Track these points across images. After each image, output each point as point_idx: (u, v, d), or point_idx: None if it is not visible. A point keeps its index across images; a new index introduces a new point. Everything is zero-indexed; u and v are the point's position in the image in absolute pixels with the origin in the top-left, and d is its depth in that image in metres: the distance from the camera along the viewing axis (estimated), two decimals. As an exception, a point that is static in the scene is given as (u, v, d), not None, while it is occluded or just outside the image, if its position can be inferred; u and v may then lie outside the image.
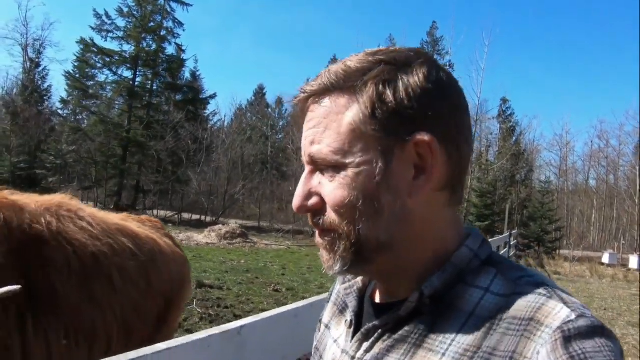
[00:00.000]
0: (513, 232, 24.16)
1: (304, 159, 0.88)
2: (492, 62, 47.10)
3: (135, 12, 37.08)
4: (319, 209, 0.86)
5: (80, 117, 43.86)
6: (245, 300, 9.85)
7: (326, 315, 1.11)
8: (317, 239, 0.90)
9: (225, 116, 51.08)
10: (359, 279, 1.02)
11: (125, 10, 36.95)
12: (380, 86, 0.81)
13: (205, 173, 37.14)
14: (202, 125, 39.29)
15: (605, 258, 26.32)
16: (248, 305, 9.40)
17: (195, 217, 35.44)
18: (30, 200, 2.61)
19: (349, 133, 0.82)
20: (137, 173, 36.83)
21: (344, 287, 1.03)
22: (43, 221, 2.44)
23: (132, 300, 2.67)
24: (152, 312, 2.88)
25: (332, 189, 0.84)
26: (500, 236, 19.64)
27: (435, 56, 50.31)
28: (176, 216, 32.72)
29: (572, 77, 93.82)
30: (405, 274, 0.88)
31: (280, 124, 57.30)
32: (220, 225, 23.94)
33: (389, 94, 0.81)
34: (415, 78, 0.82)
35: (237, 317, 8.41)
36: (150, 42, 37.95)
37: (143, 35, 36.87)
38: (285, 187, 41.68)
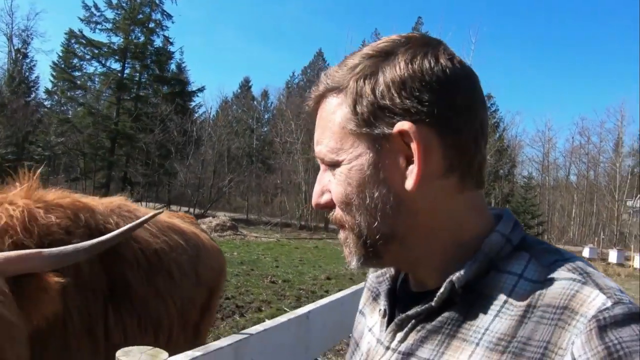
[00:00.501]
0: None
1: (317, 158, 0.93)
2: (478, 58, 47.65)
3: (124, 4, 36.97)
4: (331, 205, 0.90)
5: (65, 107, 43.55)
6: (244, 291, 10.16)
7: (362, 302, 1.12)
8: (338, 233, 0.94)
9: (211, 108, 50.95)
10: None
11: (114, 2, 36.77)
12: (360, 81, 0.84)
13: (193, 166, 37.17)
14: (190, 117, 39.33)
15: (586, 252, 26.74)
16: (248, 297, 9.71)
17: (184, 209, 35.43)
18: (95, 202, 2.87)
19: (339, 131, 0.86)
20: (125, 165, 36.76)
21: (376, 275, 1.06)
22: (112, 221, 2.70)
23: (186, 291, 2.93)
24: (200, 301, 3.15)
25: (333, 186, 0.88)
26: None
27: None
28: (165, 208, 32.73)
29: (554, 74, 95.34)
30: (427, 262, 0.88)
31: (266, 116, 57.33)
32: (211, 218, 24.19)
33: (367, 89, 0.83)
34: (396, 67, 0.83)
35: (239, 307, 8.78)
36: (139, 34, 37.87)
37: (132, 27, 36.82)
38: (270, 179, 41.97)
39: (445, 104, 0.82)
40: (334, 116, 0.87)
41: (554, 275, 0.77)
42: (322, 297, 9.04)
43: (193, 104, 43.99)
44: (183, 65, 42.96)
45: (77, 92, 39.10)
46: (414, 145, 0.81)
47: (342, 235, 0.92)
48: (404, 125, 0.80)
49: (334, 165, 0.87)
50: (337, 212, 0.90)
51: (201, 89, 42.99)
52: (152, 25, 37.80)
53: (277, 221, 30.95)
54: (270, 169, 44.73)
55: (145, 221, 2.33)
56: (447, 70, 0.83)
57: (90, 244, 1.99)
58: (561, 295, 0.73)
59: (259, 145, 50.32)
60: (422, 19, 52.74)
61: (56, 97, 41.82)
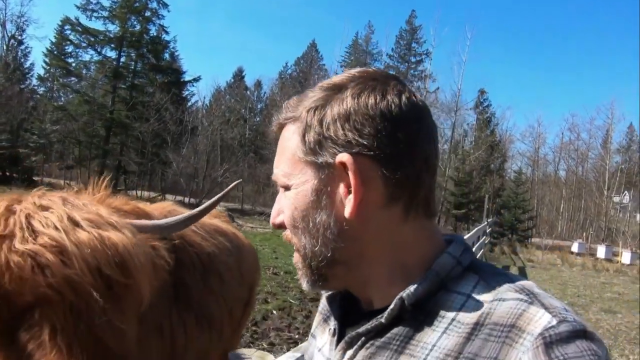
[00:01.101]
0: (489, 220, 25.12)
1: None
2: (473, 54, 47.93)
3: (120, -8, 36.64)
4: (285, 226, 0.94)
5: (57, 94, 43.30)
6: (249, 283, 10.30)
7: (314, 325, 1.13)
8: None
9: (204, 98, 50.83)
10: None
11: (111, -11, 36.48)
12: (311, 112, 0.88)
13: (186, 155, 37.13)
14: (184, 107, 39.31)
15: (575, 247, 27.11)
16: (253, 288, 9.86)
17: (179, 198, 35.46)
18: (150, 208, 3.05)
19: (291, 158, 0.90)
20: (120, 153, 36.68)
21: (327, 296, 1.06)
22: (166, 225, 2.90)
23: (234, 291, 3.08)
24: (244, 298, 3.38)
25: (285, 209, 0.92)
26: (480, 225, 20.52)
27: (413, 44, 51.17)
28: (160, 197, 32.77)
29: (545, 71, 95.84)
30: (374, 285, 0.90)
31: (259, 106, 57.22)
32: (207, 208, 24.16)
33: (314, 120, 0.87)
34: (344, 101, 0.86)
35: (246, 299, 8.93)
36: (135, 23, 37.60)
37: (128, 16, 36.56)
38: (263, 169, 42.04)
39: (387, 138, 0.84)
40: (288, 143, 0.91)
41: (502, 295, 0.79)
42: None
43: (186, 92, 43.87)
44: (176, 54, 42.75)
45: (70, 79, 38.84)
46: (351, 175, 0.84)
47: (294, 257, 0.96)
48: (343, 157, 0.84)
49: (286, 188, 0.91)
50: (287, 233, 0.94)
51: (197, 79, 42.88)
52: (148, 13, 37.60)
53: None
54: (262, 159, 44.78)
55: (227, 192, 2.51)
56: (392, 105, 0.85)
57: (192, 213, 2.12)
58: (508, 315, 0.75)
59: (252, 135, 50.31)
60: (416, 13, 52.86)
61: (48, 83, 41.58)
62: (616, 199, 41.71)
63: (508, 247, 26.22)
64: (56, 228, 1.27)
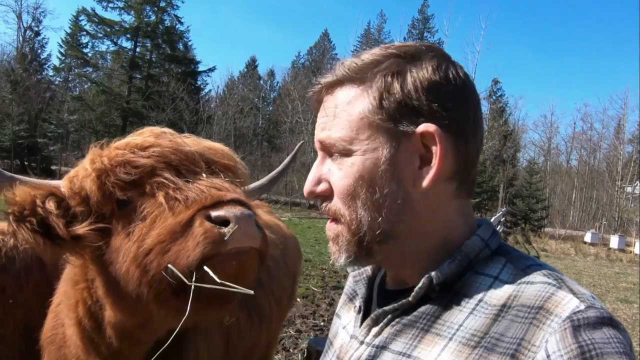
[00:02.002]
0: (502, 209, 25.15)
1: (316, 145, 0.92)
2: (486, 43, 47.65)
3: (136, -17, 36.82)
4: (327, 195, 0.89)
5: (72, 84, 43.73)
6: (270, 272, 10.48)
7: (339, 305, 1.13)
8: (327, 228, 0.93)
9: (218, 87, 51.03)
10: (369, 267, 1.05)
11: (127, -20, 36.71)
12: (389, 78, 0.84)
13: (201, 144, 37.48)
14: (199, 96, 39.65)
15: (588, 237, 27.07)
16: (274, 277, 10.05)
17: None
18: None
19: (357, 121, 0.85)
20: (137, 143, 37.03)
21: (353, 275, 1.06)
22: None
23: (281, 283, 3.05)
24: (289, 288, 3.34)
25: (339, 176, 0.86)
26: (495, 215, 20.55)
27: (426, 34, 50.86)
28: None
29: (558, 60, 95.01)
30: (414, 262, 0.89)
31: (272, 96, 57.36)
32: (223, 198, 24.34)
33: (396, 86, 0.83)
34: (424, 71, 0.84)
35: (269, 287, 9.14)
36: (150, 13, 37.87)
37: (143, 6, 36.80)
38: (276, 158, 42.34)
39: (463, 115, 0.86)
40: (351, 106, 0.86)
41: (530, 278, 0.80)
42: (344, 277, 9.45)
43: (200, 82, 44.13)
44: (190, 44, 42.94)
45: (86, 70, 39.26)
46: (435, 148, 0.83)
47: (333, 230, 0.91)
48: (429, 127, 0.83)
49: (344, 154, 0.87)
50: (335, 205, 0.88)
51: (212, 69, 43.12)
52: (163, 4, 37.88)
53: (287, 200, 31.31)
54: (275, 148, 44.99)
55: (295, 154, 2.71)
56: (467, 82, 0.88)
57: (273, 176, 2.32)
58: (536, 297, 0.76)
59: (265, 124, 50.55)
60: (428, 2, 52.42)
61: (64, 74, 42.04)
62: (629, 189, 41.40)
63: (522, 237, 26.14)
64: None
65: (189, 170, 1.46)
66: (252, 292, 1.26)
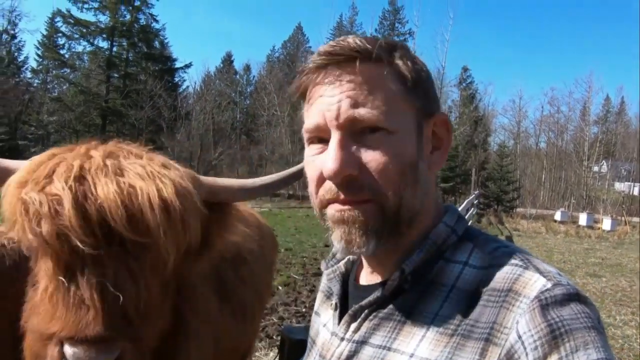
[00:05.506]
0: (475, 192, 25.70)
1: (333, 123, 0.81)
2: (455, 32, 48.04)
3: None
4: (362, 176, 0.81)
5: (50, 86, 43.40)
6: (252, 260, 10.59)
7: (316, 304, 1.13)
8: (344, 213, 0.82)
9: (195, 83, 50.74)
10: (341, 263, 1.03)
11: (101, -20, 36.59)
12: (409, 62, 0.85)
13: (181, 140, 37.49)
14: (176, 93, 39.80)
15: (558, 215, 27.47)
16: (257, 265, 10.17)
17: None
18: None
19: (396, 101, 0.82)
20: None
21: (327, 274, 1.04)
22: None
23: (261, 276, 2.99)
24: (269, 280, 3.37)
25: (380, 154, 0.81)
26: (468, 198, 20.99)
27: (396, 25, 51.03)
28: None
29: (525, 46, 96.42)
30: (397, 250, 0.88)
31: (248, 90, 57.18)
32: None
33: (424, 73, 0.87)
34: (417, 62, 0.87)
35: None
36: (125, 13, 37.87)
37: (118, 6, 36.80)
38: (254, 151, 42.75)
39: (439, 102, 0.92)
40: (382, 83, 0.82)
41: (497, 261, 0.81)
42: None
43: (177, 79, 44.03)
44: (166, 42, 42.72)
45: (64, 71, 39.19)
46: (446, 135, 0.89)
47: (363, 212, 0.82)
48: (444, 115, 0.87)
49: (384, 132, 0.81)
50: (373, 185, 0.81)
51: (188, 65, 43.16)
52: (137, 3, 37.91)
53: (266, 191, 31.28)
54: (254, 141, 45.08)
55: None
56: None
57: (272, 180, 1.94)
58: (505, 279, 0.77)
59: (243, 118, 50.60)
60: (398, -6, 52.45)
61: (42, 75, 41.75)
62: (595, 168, 42.53)
63: (494, 218, 26.36)
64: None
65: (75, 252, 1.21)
66: None
